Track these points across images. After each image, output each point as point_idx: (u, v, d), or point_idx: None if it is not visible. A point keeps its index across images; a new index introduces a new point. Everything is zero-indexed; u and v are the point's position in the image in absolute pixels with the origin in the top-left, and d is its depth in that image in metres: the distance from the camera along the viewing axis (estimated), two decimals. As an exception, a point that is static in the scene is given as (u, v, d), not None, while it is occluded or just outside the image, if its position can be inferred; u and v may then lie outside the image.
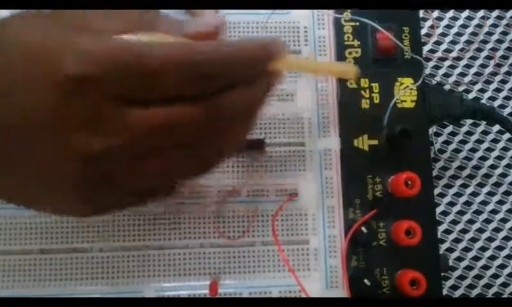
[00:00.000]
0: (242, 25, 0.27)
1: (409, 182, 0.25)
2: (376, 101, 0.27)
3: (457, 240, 0.33)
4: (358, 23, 0.28)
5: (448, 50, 0.35)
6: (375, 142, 0.27)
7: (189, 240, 0.25)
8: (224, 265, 0.25)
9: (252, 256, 0.25)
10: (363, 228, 0.25)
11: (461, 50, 0.35)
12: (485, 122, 0.34)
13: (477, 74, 0.35)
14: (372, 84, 0.27)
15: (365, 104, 0.27)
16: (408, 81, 0.28)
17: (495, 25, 0.35)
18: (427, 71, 0.34)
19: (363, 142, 0.27)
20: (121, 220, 0.25)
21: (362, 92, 0.27)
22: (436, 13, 0.35)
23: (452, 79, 0.35)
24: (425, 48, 0.34)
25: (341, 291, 0.25)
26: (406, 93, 0.27)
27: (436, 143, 0.33)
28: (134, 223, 0.25)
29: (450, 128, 0.34)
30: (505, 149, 0.34)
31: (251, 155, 0.26)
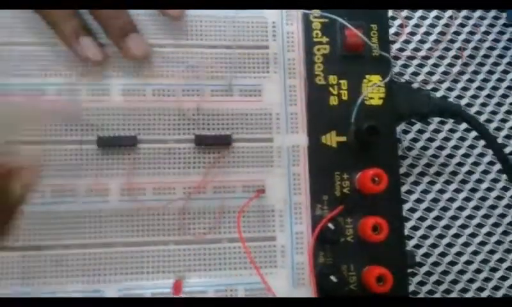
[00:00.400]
0: (210, 20, 0.27)
1: (376, 178, 0.25)
2: (344, 98, 0.27)
3: (424, 237, 0.33)
4: (326, 20, 0.28)
5: (416, 49, 0.35)
6: (343, 138, 0.27)
7: (153, 238, 0.24)
8: (189, 263, 0.25)
9: (218, 253, 0.25)
10: (330, 225, 0.25)
11: (430, 49, 0.35)
12: (452, 120, 0.34)
13: (445, 73, 0.35)
14: (340, 81, 0.27)
15: (333, 101, 0.27)
16: (375, 78, 0.28)
17: (462, 25, 0.36)
18: (396, 69, 0.35)
19: (331, 139, 0.27)
20: (83, 217, 0.24)
21: (330, 89, 0.27)
22: (405, 13, 0.35)
23: (420, 78, 0.35)
24: (394, 47, 0.35)
25: (308, 289, 0.25)
26: (373, 90, 0.27)
27: (404, 141, 0.34)
28: (95, 220, 0.24)
29: (418, 126, 0.34)
30: (471, 147, 0.34)
31: (218, 150, 0.25)
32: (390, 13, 0.35)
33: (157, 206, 0.25)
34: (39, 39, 0.25)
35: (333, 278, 0.25)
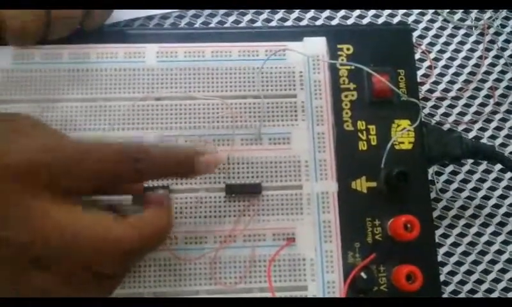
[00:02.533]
0: (239, 71, 0.27)
1: (409, 225, 0.25)
2: (374, 143, 0.27)
3: (462, 282, 0.32)
4: (353, 67, 0.28)
5: (446, 90, 0.35)
6: (373, 184, 0.27)
7: (185, 287, 0.25)
8: (221, 313, 0.24)
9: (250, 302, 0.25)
10: (363, 273, 0.25)
11: (460, 89, 0.35)
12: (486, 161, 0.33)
13: (477, 113, 0.35)
14: (368, 126, 0.27)
15: (362, 146, 0.27)
16: (405, 123, 0.28)
17: (493, 65, 0.36)
18: (426, 110, 0.34)
19: (362, 185, 0.27)
20: (117, 267, 0.25)
21: (359, 134, 0.27)
22: (433, 54, 0.35)
23: (451, 118, 0.34)
24: (424, 88, 0.35)
25: (341, 340, 0.24)
26: (403, 134, 0.27)
27: (437, 183, 0.33)
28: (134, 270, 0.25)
29: (451, 168, 0.34)
30: (508, 188, 0.33)
31: (248, 199, 0.26)
32: (418, 55, 0.35)
33: (189, 257, 0.25)
34: (78, 95, 0.27)
35: (367, 329, 0.24)
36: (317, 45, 0.28)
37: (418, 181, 0.27)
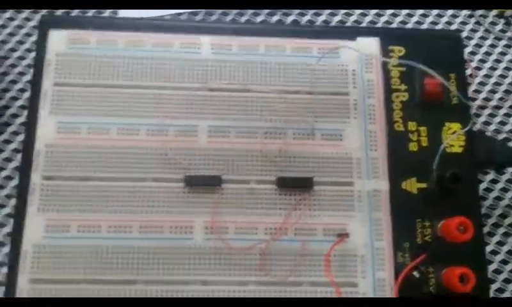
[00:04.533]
0: (292, 68, 0.28)
1: (462, 227, 0.24)
2: (424, 144, 0.27)
3: (500, 290, 0.32)
4: (405, 69, 0.28)
5: (487, 99, 0.35)
6: (424, 185, 0.27)
7: (234, 277, 0.25)
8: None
9: (299, 296, 0.24)
10: (416, 273, 0.25)
11: (500, 99, 0.35)
12: (527, 170, 0.33)
13: (517, 123, 0.35)
14: (419, 128, 0.27)
15: (413, 147, 0.27)
16: (455, 126, 0.28)
17: (533, 77, 0.36)
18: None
19: (412, 185, 0.27)
20: (167, 253, 0.25)
21: (410, 135, 0.27)
22: (475, 63, 0.36)
23: (492, 127, 0.35)
24: (465, 96, 0.35)
25: (391, 338, 0.24)
26: (454, 138, 0.27)
27: (478, 190, 0.33)
28: (179, 256, 0.25)
29: (491, 176, 0.34)
30: (547, 199, 0.33)
31: (299, 193, 0.26)
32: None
33: (240, 247, 0.25)
34: (130, 82, 0.27)
35: (418, 329, 0.24)
36: (370, 45, 0.28)
37: (468, 185, 0.27)
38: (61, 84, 0.27)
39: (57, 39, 0.27)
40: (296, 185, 0.26)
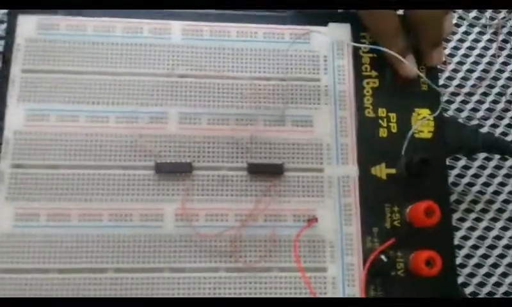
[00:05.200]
0: (263, 53, 0.28)
1: (429, 211, 0.25)
2: (394, 130, 0.27)
3: (471, 275, 0.32)
4: (375, 55, 0.28)
5: (460, 86, 0.35)
6: (392, 171, 0.27)
7: (205, 264, 0.25)
8: (240, 291, 0.25)
9: (269, 282, 0.25)
10: (383, 257, 0.25)
11: (473, 85, 0.36)
12: (498, 156, 0.34)
13: (489, 110, 0.35)
14: (389, 114, 0.28)
15: (382, 133, 0.27)
16: (425, 112, 0.28)
17: (505, 64, 0.36)
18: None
19: (381, 171, 0.27)
20: (137, 241, 0.25)
21: (380, 121, 0.27)
22: (448, 50, 0.36)
23: (464, 114, 0.35)
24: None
25: (359, 321, 0.24)
26: (423, 123, 0.28)
27: (449, 176, 0.33)
28: (149, 244, 0.25)
29: (463, 162, 0.34)
30: (518, 184, 0.34)
31: (270, 179, 0.26)
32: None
33: (210, 233, 0.25)
34: (100, 68, 0.26)
35: (385, 312, 0.24)
36: (342, 31, 0.28)
37: (437, 170, 0.27)
38: (30, 71, 0.26)
39: (27, 24, 0.27)
40: (267, 172, 0.26)
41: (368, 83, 0.28)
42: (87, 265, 0.24)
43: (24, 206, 0.25)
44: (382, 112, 0.28)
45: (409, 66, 0.27)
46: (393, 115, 0.28)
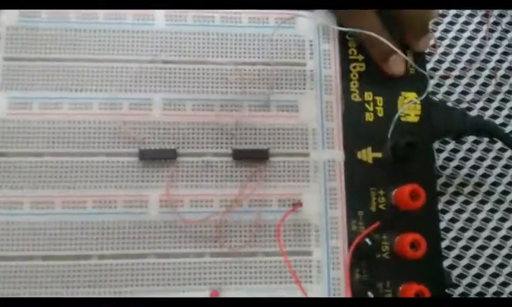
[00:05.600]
0: (248, 38, 0.27)
1: (414, 194, 0.25)
2: (380, 114, 0.27)
3: (459, 257, 0.33)
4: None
5: (450, 69, 0.35)
6: (379, 155, 0.27)
7: (190, 249, 0.25)
8: (225, 276, 0.25)
9: (254, 266, 0.25)
10: (368, 240, 0.25)
11: (463, 68, 0.35)
12: (487, 139, 0.34)
13: (479, 93, 0.35)
14: (376, 98, 0.27)
15: (369, 117, 0.27)
16: (411, 95, 0.28)
17: (496, 46, 0.36)
18: (430, 89, 0.34)
19: (367, 155, 0.27)
20: (122, 228, 0.25)
21: (366, 105, 0.27)
22: (438, 33, 0.36)
23: (454, 97, 0.35)
24: (427, 67, 0.35)
25: (344, 305, 0.24)
26: (409, 107, 0.27)
27: (438, 159, 0.33)
28: (134, 231, 0.25)
29: (452, 145, 0.34)
30: (506, 167, 0.34)
31: (255, 165, 0.26)
32: (423, 32, 0.35)
33: (195, 219, 0.25)
34: (83, 55, 0.26)
35: (370, 294, 0.24)
36: (328, 15, 0.28)
37: (423, 153, 0.27)
38: (12, 59, 0.26)
39: (8, 12, 0.27)
40: (252, 157, 0.26)
41: (354, 67, 0.28)
42: (71, 252, 0.24)
43: (8, 194, 0.24)
44: (368, 96, 0.28)
45: (394, 65, 0.27)
46: (379, 99, 0.28)
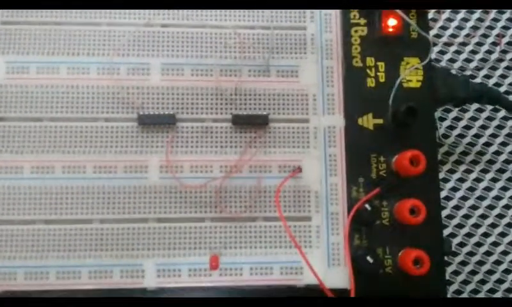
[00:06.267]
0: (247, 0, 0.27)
1: (414, 160, 0.25)
2: (382, 80, 0.27)
3: (460, 226, 0.33)
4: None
5: (454, 36, 0.35)
6: (380, 121, 0.26)
7: (190, 214, 0.25)
8: (225, 240, 0.25)
9: (254, 231, 0.25)
10: (367, 205, 0.25)
11: (467, 35, 0.35)
12: (490, 108, 0.33)
13: (483, 60, 0.35)
14: (377, 63, 0.27)
15: (370, 83, 0.27)
16: (414, 61, 0.27)
17: (501, 12, 0.35)
18: (433, 56, 0.34)
19: (368, 121, 0.26)
20: (122, 192, 0.25)
21: (368, 71, 0.27)
22: (442, -2, 0.35)
23: (457, 65, 0.34)
24: (431, 33, 0.34)
25: (343, 269, 0.25)
26: (411, 72, 0.27)
27: (440, 128, 0.33)
28: (134, 196, 0.25)
29: (454, 113, 0.34)
30: (509, 135, 0.34)
31: (254, 130, 0.26)
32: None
33: (195, 184, 0.25)
34: (81, 19, 0.26)
35: (369, 259, 0.24)
36: (329, -23, 0.27)
37: (424, 120, 0.27)
38: (9, 23, 0.26)
39: (4, -25, 0.26)
40: (251, 123, 0.26)
41: (356, 31, 0.27)
42: (72, 216, 0.24)
43: (8, 159, 0.24)
44: (370, 61, 0.27)
45: None
46: (381, 64, 0.27)
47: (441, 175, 0.33)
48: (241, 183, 0.25)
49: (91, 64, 0.25)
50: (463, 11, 0.35)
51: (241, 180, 0.25)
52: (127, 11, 0.26)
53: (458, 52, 0.34)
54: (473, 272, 0.32)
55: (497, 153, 0.33)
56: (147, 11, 0.26)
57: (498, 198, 0.33)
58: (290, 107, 0.26)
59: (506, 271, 0.32)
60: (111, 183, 0.25)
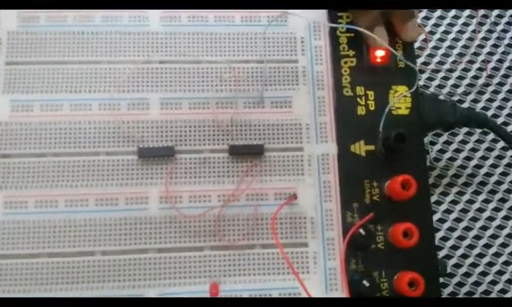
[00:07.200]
0: (243, 37, 0.28)
1: (406, 184, 0.25)
2: (372, 108, 0.28)
3: (454, 247, 0.33)
4: (352, 34, 0.29)
5: (441, 63, 0.36)
6: (371, 147, 0.27)
7: (190, 244, 0.25)
8: (224, 268, 0.25)
9: (252, 259, 0.26)
10: (361, 230, 0.26)
11: (454, 62, 0.36)
12: (479, 131, 0.34)
13: (470, 85, 0.36)
14: (367, 92, 0.28)
15: (361, 111, 0.28)
16: (402, 89, 0.28)
17: (486, 39, 0.37)
18: (421, 82, 0.35)
19: (360, 148, 0.27)
20: (123, 224, 0.25)
21: (358, 99, 0.28)
22: (428, 27, 0.36)
23: (446, 90, 0.36)
24: (419, 61, 0.35)
25: (341, 294, 0.25)
26: (400, 100, 0.28)
27: (431, 152, 0.34)
28: (135, 227, 0.25)
29: (445, 137, 0.35)
30: (499, 157, 0.35)
31: (250, 160, 0.26)
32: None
33: (194, 214, 0.26)
34: (82, 57, 0.27)
35: (365, 282, 0.25)
36: (318, 12, 0.29)
37: (414, 145, 0.28)
38: (13, 63, 0.27)
39: (7, 18, 0.27)
40: (247, 152, 0.27)
41: (345, 62, 0.29)
42: (75, 249, 0.25)
43: (13, 194, 0.25)
44: (360, 90, 0.28)
45: (377, 38, 0.27)
46: (371, 93, 0.28)
47: (435, 198, 0.34)
48: (239, 212, 0.26)
49: (93, 100, 0.26)
50: (449, 39, 0.36)
51: (239, 208, 0.26)
52: (126, 49, 0.27)
53: (446, 78, 0.36)
54: (470, 293, 0.32)
55: (488, 174, 0.34)
56: (145, 48, 0.27)
57: (491, 219, 0.34)
58: (285, 136, 0.27)
59: (502, 291, 0.33)
60: (113, 215, 0.25)
